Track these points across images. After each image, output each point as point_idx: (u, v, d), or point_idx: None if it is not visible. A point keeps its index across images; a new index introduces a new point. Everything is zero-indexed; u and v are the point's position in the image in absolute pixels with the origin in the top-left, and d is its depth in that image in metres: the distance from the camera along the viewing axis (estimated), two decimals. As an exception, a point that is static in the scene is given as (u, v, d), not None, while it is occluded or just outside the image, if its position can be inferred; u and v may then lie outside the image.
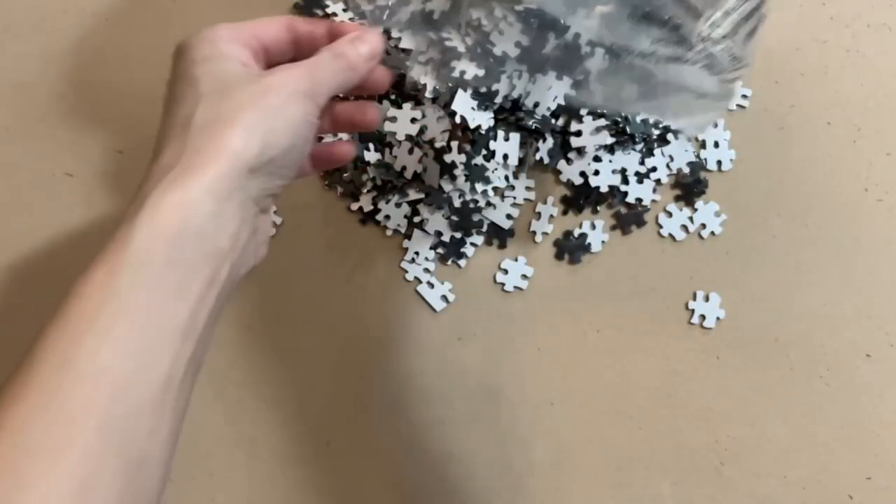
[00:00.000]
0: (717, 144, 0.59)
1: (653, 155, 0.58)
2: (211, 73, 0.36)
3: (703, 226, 0.58)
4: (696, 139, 0.59)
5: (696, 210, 0.58)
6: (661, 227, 0.58)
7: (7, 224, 0.56)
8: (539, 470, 0.53)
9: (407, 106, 0.56)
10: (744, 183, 0.59)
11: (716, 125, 0.59)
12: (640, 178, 0.58)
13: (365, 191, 0.57)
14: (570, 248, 0.57)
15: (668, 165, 0.58)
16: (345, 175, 0.57)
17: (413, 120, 0.56)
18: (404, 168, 0.56)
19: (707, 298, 0.56)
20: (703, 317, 0.56)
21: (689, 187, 0.58)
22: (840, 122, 0.61)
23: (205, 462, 0.53)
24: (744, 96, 0.60)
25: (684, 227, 0.58)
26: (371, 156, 0.57)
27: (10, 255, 0.56)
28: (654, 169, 0.58)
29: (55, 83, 0.59)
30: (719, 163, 0.59)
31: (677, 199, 0.58)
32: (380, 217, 0.57)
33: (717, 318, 0.56)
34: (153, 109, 0.59)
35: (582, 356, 0.55)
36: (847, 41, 0.63)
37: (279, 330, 0.55)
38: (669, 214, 0.58)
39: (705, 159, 0.59)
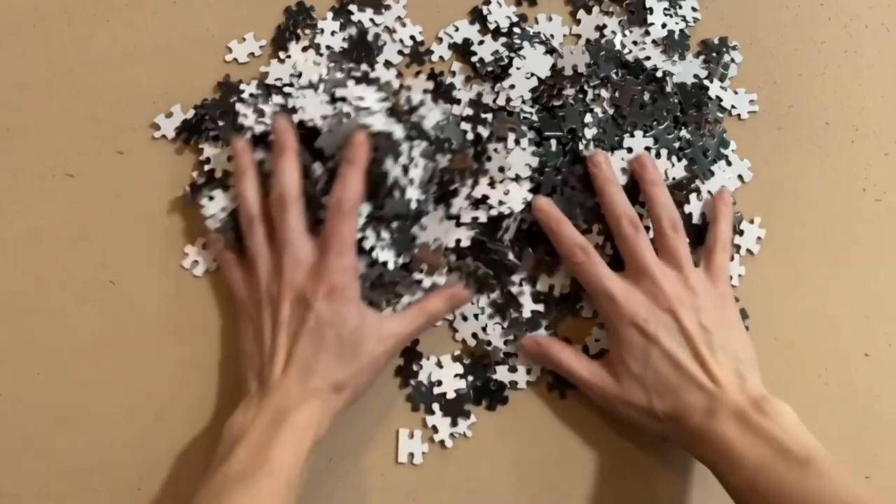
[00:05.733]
0: (729, 162, 0.58)
1: None
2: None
3: (702, 226, 0.58)
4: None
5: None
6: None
7: (7, 224, 0.56)
8: (539, 468, 0.53)
9: None
10: (741, 183, 0.59)
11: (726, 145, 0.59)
12: None
13: None
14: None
15: None
16: None
17: None
18: None
19: (706, 298, 0.56)
20: (702, 316, 0.56)
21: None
22: (838, 123, 0.61)
23: (204, 461, 0.53)
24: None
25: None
26: None
27: (11, 255, 0.56)
28: None
29: (55, 83, 0.59)
30: (740, 177, 0.59)
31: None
32: None
33: (717, 318, 0.56)
34: (153, 109, 0.59)
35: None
36: (845, 42, 0.63)
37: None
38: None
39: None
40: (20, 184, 0.57)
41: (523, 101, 0.57)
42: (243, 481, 0.44)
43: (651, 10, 0.60)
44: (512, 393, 0.54)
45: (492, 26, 0.60)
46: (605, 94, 0.57)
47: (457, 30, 0.61)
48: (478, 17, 0.61)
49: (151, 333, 0.55)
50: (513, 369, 0.54)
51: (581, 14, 0.61)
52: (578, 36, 0.61)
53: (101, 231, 0.57)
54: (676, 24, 0.60)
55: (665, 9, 0.60)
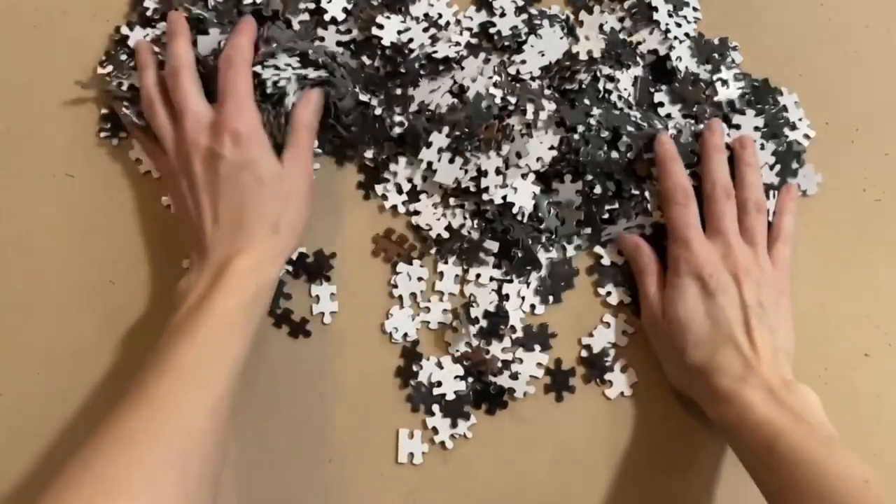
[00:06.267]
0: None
1: None
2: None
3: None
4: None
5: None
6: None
7: (7, 224, 0.56)
8: (538, 469, 0.53)
9: None
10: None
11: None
12: None
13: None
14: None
15: None
16: None
17: None
18: None
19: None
20: (702, 316, 0.56)
21: None
22: (838, 123, 0.61)
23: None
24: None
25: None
26: None
27: (11, 255, 0.56)
28: None
29: (55, 83, 0.59)
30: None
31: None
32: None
33: (717, 318, 0.56)
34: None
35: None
36: (845, 42, 0.63)
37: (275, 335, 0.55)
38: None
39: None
40: (20, 184, 0.57)
41: (532, 78, 0.57)
42: (182, 331, 0.45)
43: (657, 8, 0.60)
44: (512, 395, 0.54)
45: (497, 12, 0.60)
46: (624, 81, 0.58)
47: (471, 19, 0.61)
48: (483, 3, 0.61)
49: (151, 333, 0.55)
50: (513, 377, 0.54)
51: (583, 15, 0.61)
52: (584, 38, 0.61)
53: (101, 231, 0.57)
54: (678, 24, 0.60)
55: (669, 11, 0.60)
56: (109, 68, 0.58)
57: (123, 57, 0.58)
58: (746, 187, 0.55)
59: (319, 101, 0.55)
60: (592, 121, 0.56)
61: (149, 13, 0.59)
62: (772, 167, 0.57)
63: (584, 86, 0.57)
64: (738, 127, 0.58)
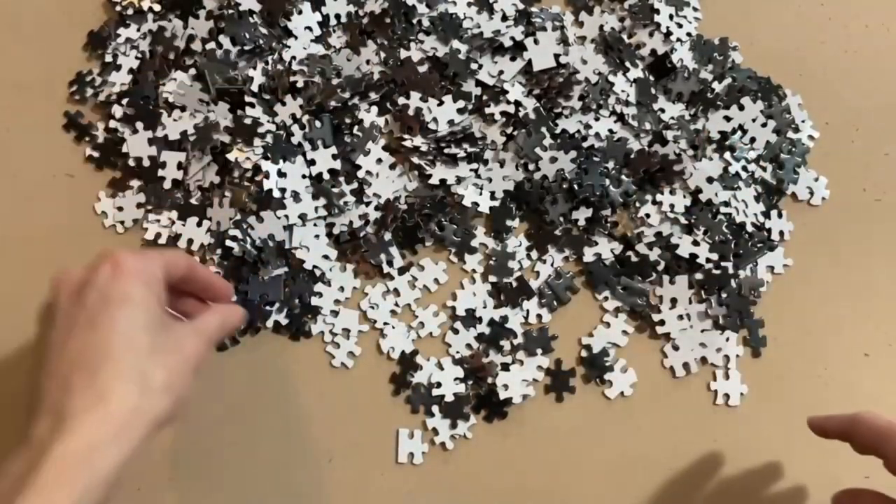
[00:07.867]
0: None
1: None
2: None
3: (703, 226, 0.58)
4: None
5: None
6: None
7: (7, 224, 0.56)
8: (537, 469, 0.53)
9: None
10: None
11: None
12: None
13: None
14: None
15: None
16: None
17: None
18: None
19: (706, 298, 0.56)
20: (702, 316, 0.56)
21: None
22: (838, 122, 0.61)
23: (198, 456, 0.53)
24: (743, 97, 0.61)
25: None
26: None
27: (11, 255, 0.56)
28: None
29: (55, 83, 0.59)
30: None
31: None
32: None
33: (717, 318, 0.56)
34: (153, 109, 0.59)
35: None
36: (845, 42, 0.63)
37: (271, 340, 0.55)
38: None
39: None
40: (20, 184, 0.57)
41: (501, 89, 0.57)
42: None
43: (658, 10, 0.60)
44: (510, 405, 0.54)
45: (497, 15, 0.60)
46: (619, 84, 0.58)
47: (464, 16, 0.60)
48: (484, 4, 0.60)
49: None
50: (513, 384, 0.54)
51: (583, 15, 0.61)
52: (583, 38, 0.61)
53: (101, 231, 0.57)
54: (679, 24, 0.60)
55: (670, 14, 0.60)
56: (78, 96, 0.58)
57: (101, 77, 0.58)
58: None
59: (235, 326, 0.46)
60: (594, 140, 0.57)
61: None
62: (758, 161, 0.58)
63: (575, 110, 0.57)
64: (742, 107, 0.58)
